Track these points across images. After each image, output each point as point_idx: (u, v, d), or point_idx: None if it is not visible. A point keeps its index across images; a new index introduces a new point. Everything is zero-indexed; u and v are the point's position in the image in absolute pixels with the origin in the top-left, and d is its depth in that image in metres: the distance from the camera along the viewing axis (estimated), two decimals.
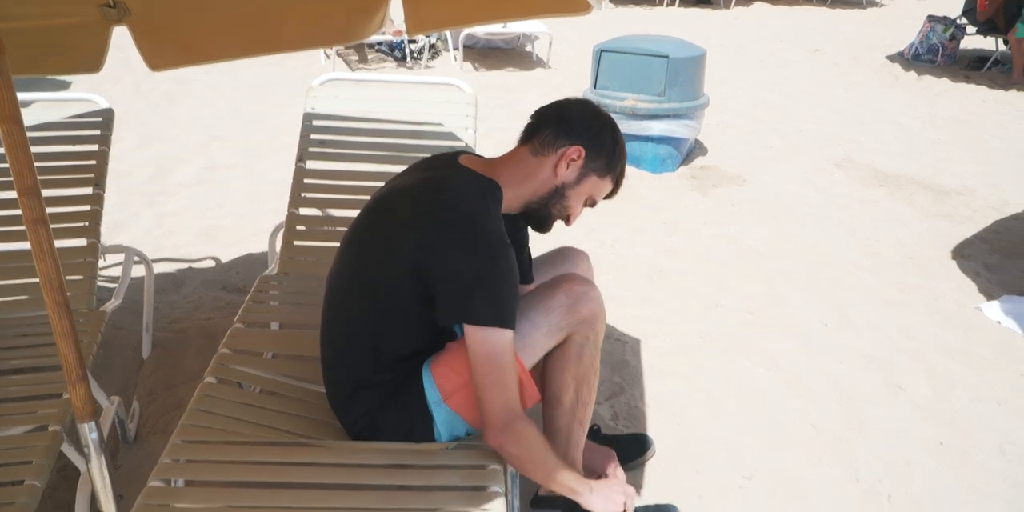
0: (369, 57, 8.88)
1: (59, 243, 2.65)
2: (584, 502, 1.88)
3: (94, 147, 2.93)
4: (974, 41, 9.60)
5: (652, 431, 2.68)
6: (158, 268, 3.72)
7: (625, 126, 5.12)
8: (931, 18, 9.39)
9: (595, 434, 2.42)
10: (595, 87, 5.43)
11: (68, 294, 2.52)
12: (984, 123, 6.97)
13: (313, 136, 3.11)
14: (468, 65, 8.65)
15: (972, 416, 2.84)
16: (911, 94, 8.02)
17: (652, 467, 2.52)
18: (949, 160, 5.89)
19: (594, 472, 2.18)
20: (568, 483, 1.84)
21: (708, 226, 4.46)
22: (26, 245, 1.48)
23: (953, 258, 4.16)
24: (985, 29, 8.98)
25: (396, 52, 8.75)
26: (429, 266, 1.69)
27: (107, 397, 2.36)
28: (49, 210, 2.70)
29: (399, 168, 2.09)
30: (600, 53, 5.37)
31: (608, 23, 10.98)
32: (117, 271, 2.91)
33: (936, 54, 9.21)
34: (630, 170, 5.16)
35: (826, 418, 2.80)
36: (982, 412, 2.87)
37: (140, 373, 2.90)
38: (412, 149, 3.08)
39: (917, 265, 4.06)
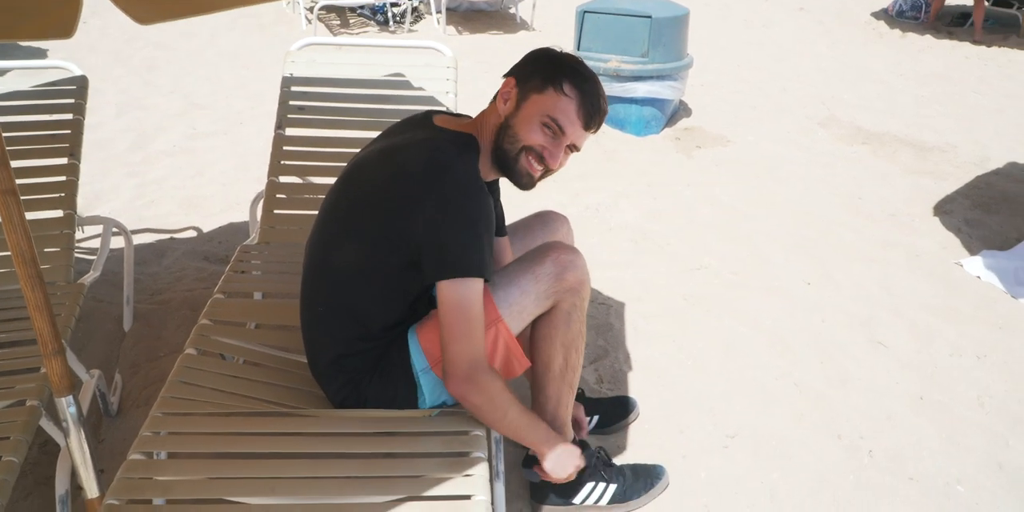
0: (351, 21, 8.78)
1: (34, 215, 2.66)
2: (541, 458, 1.96)
3: (68, 116, 2.88)
4: None
5: (636, 393, 2.69)
6: (139, 239, 3.70)
7: (609, 88, 5.09)
8: None
9: (579, 397, 2.43)
10: (578, 49, 5.38)
11: (46, 267, 2.54)
12: (967, 79, 6.96)
13: (292, 102, 3.07)
14: (451, 28, 8.56)
15: (952, 370, 2.87)
16: (895, 51, 7.99)
17: (636, 428, 2.53)
18: (932, 117, 5.89)
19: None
20: (531, 437, 1.90)
21: (692, 188, 4.45)
22: None
23: (935, 214, 4.17)
24: None
25: (378, 16, 8.65)
26: (411, 230, 1.68)
27: (87, 371, 2.35)
28: (23, 181, 2.72)
29: (379, 133, 2.07)
30: (583, 14, 5.32)
31: None
32: (97, 243, 2.88)
33: (920, 11, 9.16)
34: (614, 133, 5.20)
35: (808, 376, 2.82)
36: (962, 366, 2.89)
37: (122, 346, 2.89)
38: (392, 114, 3.05)
39: (899, 222, 4.07)
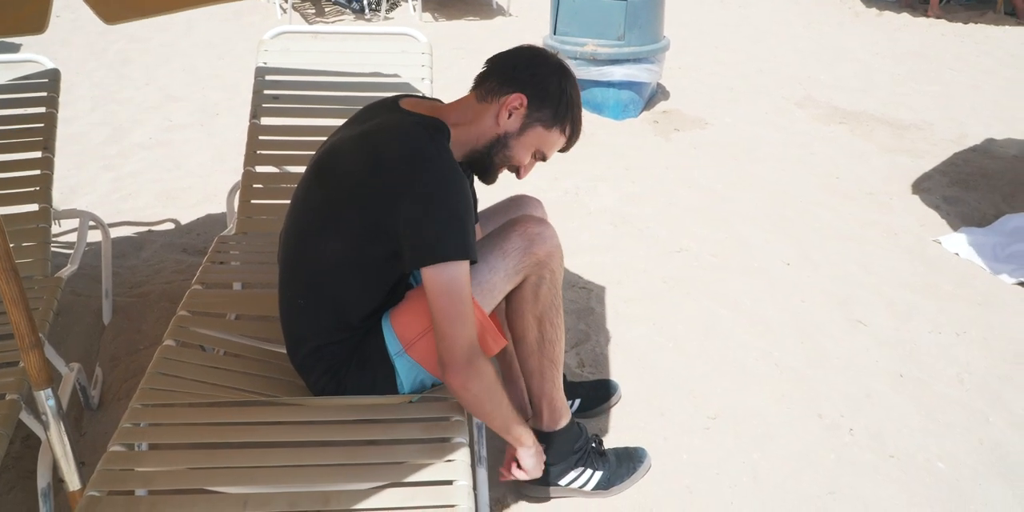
0: (326, 10, 8.73)
1: (9, 209, 2.65)
2: (519, 454, 1.96)
3: (41, 109, 2.86)
4: None
5: (617, 376, 2.70)
6: (117, 232, 3.68)
7: (586, 72, 5.11)
8: None
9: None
10: (555, 33, 5.37)
11: (23, 261, 2.53)
12: (943, 57, 6.99)
13: (266, 91, 3.06)
14: (427, 15, 8.52)
15: (931, 348, 2.89)
16: (871, 30, 8.01)
17: (618, 411, 2.55)
18: (908, 95, 5.91)
19: None
20: (517, 430, 1.90)
21: (671, 170, 4.46)
22: None
23: (913, 192, 4.19)
24: None
25: (354, 4, 8.60)
26: (392, 221, 1.67)
27: (67, 364, 2.35)
28: None
29: None
30: None
31: None
32: (74, 237, 2.87)
33: None
34: (592, 117, 5.20)
35: (788, 356, 2.83)
36: (941, 343, 2.91)
37: (102, 339, 2.89)
38: (366, 101, 2.91)
39: (877, 201, 4.09)
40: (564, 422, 2.11)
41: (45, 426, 1.63)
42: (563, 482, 2.16)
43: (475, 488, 1.71)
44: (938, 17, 8.33)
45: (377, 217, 1.69)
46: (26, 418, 1.98)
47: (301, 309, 1.88)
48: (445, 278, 1.63)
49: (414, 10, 8.56)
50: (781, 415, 2.55)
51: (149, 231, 3.75)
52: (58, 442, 1.64)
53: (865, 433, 2.47)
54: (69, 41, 7.17)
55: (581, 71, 5.13)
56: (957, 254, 3.53)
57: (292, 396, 1.95)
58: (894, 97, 5.85)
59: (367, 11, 8.52)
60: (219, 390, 1.93)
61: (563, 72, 1.88)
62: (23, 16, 2.47)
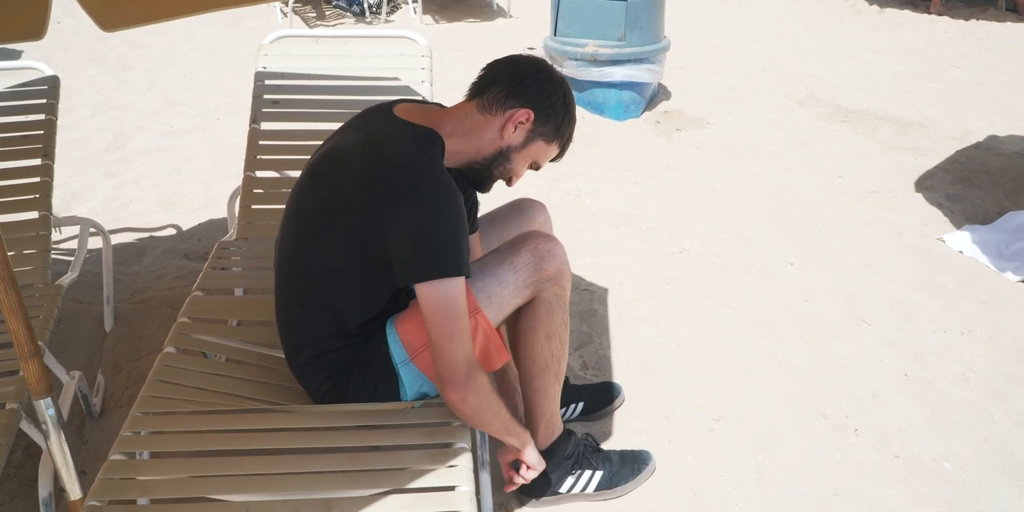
0: (327, 13, 8.73)
1: (9, 217, 2.64)
2: (524, 455, 1.96)
3: (41, 116, 2.85)
4: None
5: (621, 378, 2.69)
6: (118, 238, 3.68)
7: (586, 73, 5.10)
8: None
9: (564, 384, 2.43)
10: (555, 34, 5.36)
11: (23, 269, 2.52)
12: (945, 54, 6.97)
13: (266, 96, 3.05)
14: (428, 17, 8.51)
15: (936, 347, 2.87)
16: (873, 27, 7.99)
17: (621, 414, 2.54)
18: (911, 92, 5.90)
19: None
20: (516, 436, 1.91)
21: (673, 171, 4.45)
22: None
23: (916, 190, 4.18)
24: None
25: (354, 7, 8.59)
26: (386, 235, 1.66)
27: (68, 372, 2.34)
28: None
29: None
30: None
31: None
32: (75, 244, 2.86)
33: None
34: (593, 118, 5.19)
35: (793, 356, 2.82)
36: (946, 342, 2.90)
37: (103, 346, 2.88)
38: (366, 105, 2.96)
39: (880, 199, 4.08)
40: (558, 434, 2.11)
41: (45, 435, 1.62)
42: (563, 489, 2.15)
43: (478, 493, 1.70)
44: (940, 14, 8.30)
45: (368, 229, 1.68)
46: (27, 427, 1.97)
47: (297, 317, 1.87)
48: (440, 295, 1.63)
49: (415, 12, 8.55)
50: (786, 416, 2.53)
51: (150, 237, 3.75)
52: (59, 451, 1.64)
53: (870, 433, 2.46)
54: (70, 47, 7.18)
55: (582, 72, 5.13)
56: (961, 252, 3.51)
57: (294, 402, 1.95)
58: (896, 95, 5.83)
59: (368, 14, 8.51)
60: (220, 397, 1.92)
61: (567, 87, 1.88)
62: (21, 22, 2.47)
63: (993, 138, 4.90)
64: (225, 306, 2.46)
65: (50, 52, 6.84)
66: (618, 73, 5.09)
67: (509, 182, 1.93)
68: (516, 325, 1.98)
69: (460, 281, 1.64)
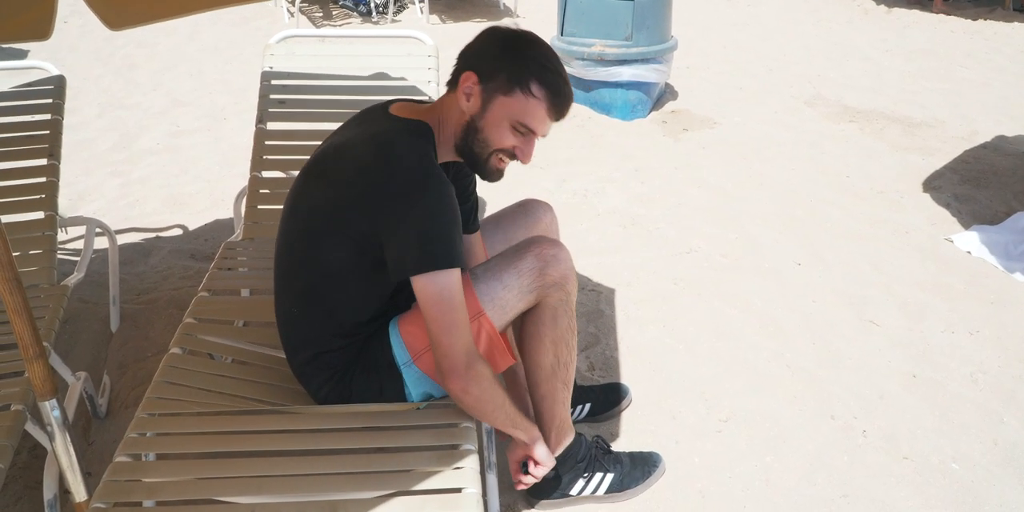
0: (334, 13, 8.72)
1: (15, 217, 2.64)
2: (533, 451, 1.94)
3: (47, 116, 2.85)
4: None
5: (628, 379, 2.68)
6: (125, 239, 3.68)
7: (593, 72, 5.09)
8: None
9: None
10: (562, 34, 5.35)
11: (29, 269, 2.52)
12: (953, 54, 6.94)
13: (272, 96, 3.05)
14: (435, 17, 8.51)
15: (945, 347, 2.86)
16: (880, 27, 7.96)
17: (629, 415, 2.53)
18: (919, 92, 5.87)
19: None
20: (522, 426, 1.89)
21: (680, 171, 4.43)
22: None
23: (924, 191, 4.16)
24: None
25: (361, 7, 8.59)
26: (375, 230, 1.66)
27: (73, 373, 2.33)
28: (1, 183, 2.69)
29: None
30: None
31: None
32: (81, 244, 2.86)
33: None
34: (600, 117, 5.18)
35: (800, 357, 2.81)
36: (955, 343, 2.89)
37: (109, 347, 2.88)
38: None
39: (888, 199, 4.06)
40: (569, 439, 2.09)
41: (51, 437, 1.61)
42: (574, 491, 2.15)
43: (485, 495, 1.69)
44: (947, 14, 8.27)
45: (362, 226, 1.67)
46: (32, 429, 1.97)
47: (296, 316, 1.87)
48: (436, 288, 1.62)
49: (421, 12, 8.55)
50: (793, 417, 2.52)
51: (156, 237, 3.75)
52: (63, 453, 1.63)
53: (879, 434, 2.45)
54: (76, 46, 7.18)
55: (589, 72, 5.12)
56: (969, 252, 3.49)
57: (299, 403, 1.94)
58: (904, 95, 5.81)
59: (374, 14, 8.51)
60: (226, 398, 1.92)
61: (507, 38, 1.77)
62: (27, 22, 2.46)
63: (1001, 138, 4.88)
64: (231, 307, 2.46)
65: (57, 51, 6.85)
66: (625, 73, 5.08)
67: (515, 157, 1.80)
68: (521, 330, 1.97)
69: (455, 273, 1.63)
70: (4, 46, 6.77)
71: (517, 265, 1.85)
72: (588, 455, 2.15)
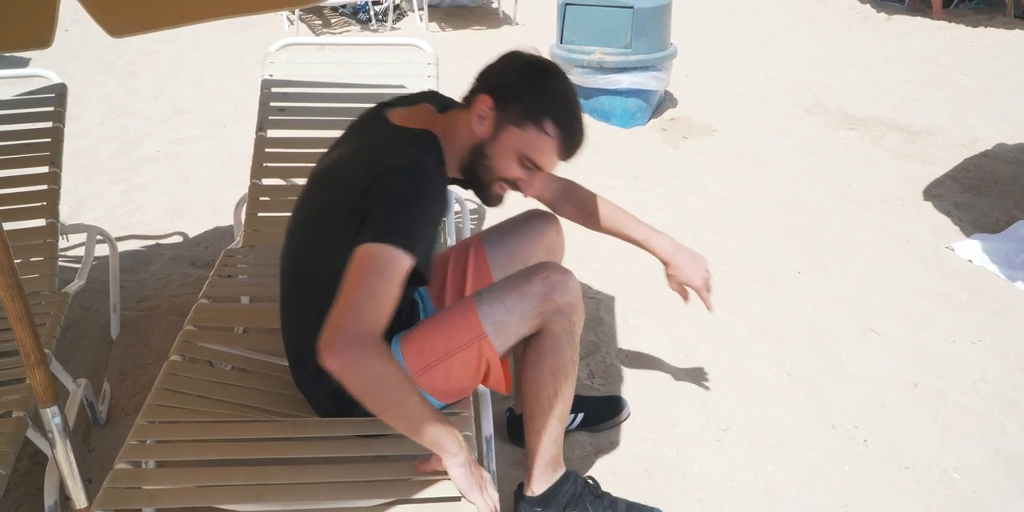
0: (333, 21, 8.74)
1: (16, 224, 2.64)
2: (448, 463, 1.61)
3: (48, 124, 2.86)
4: None
5: (628, 387, 2.68)
6: (125, 246, 3.68)
7: (593, 80, 5.10)
8: None
9: None
10: (561, 42, 5.36)
11: (30, 276, 2.53)
12: (953, 61, 6.95)
13: (272, 104, 3.06)
14: (434, 25, 8.53)
15: (946, 356, 2.86)
16: (880, 35, 7.97)
17: (628, 424, 2.52)
18: (919, 100, 5.88)
19: None
20: (432, 437, 1.57)
21: (679, 178, 4.44)
22: None
23: (925, 199, 4.16)
24: None
25: (360, 15, 8.60)
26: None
27: (74, 380, 2.33)
28: (3, 191, 2.70)
29: None
30: (564, 6, 5.27)
31: None
32: (82, 251, 2.86)
33: None
34: (600, 125, 5.18)
35: (801, 366, 2.80)
36: (956, 352, 2.88)
37: (110, 354, 2.88)
38: None
39: (888, 207, 4.06)
40: (555, 476, 2.03)
41: (51, 444, 1.61)
42: None
43: None
44: (948, 21, 8.29)
45: (358, 232, 1.65)
46: (33, 435, 1.97)
47: (301, 331, 1.85)
48: (374, 255, 1.52)
49: (421, 20, 8.57)
50: (794, 426, 2.52)
51: (157, 244, 3.75)
52: (64, 460, 1.63)
53: (880, 444, 2.44)
54: (77, 55, 7.20)
55: (588, 79, 5.12)
56: (970, 261, 3.49)
57: (300, 412, 1.94)
58: (904, 102, 5.81)
59: (374, 22, 8.52)
60: (226, 406, 1.91)
61: (531, 67, 1.75)
62: (28, 30, 2.46)
63: (1002, 146, 4.88)
64: (231, 314, 2.46)
65: (58, 60, 6.86)
66: (624, 80, 5.09)
67: (512, 186, 1.80)
68: (522, 357, 1.93)
69: (404, 258, 1.53)
70: (5, 54, 6.77)
71: (523, 289, 1.82)
72: (575, 493, 2.05)
